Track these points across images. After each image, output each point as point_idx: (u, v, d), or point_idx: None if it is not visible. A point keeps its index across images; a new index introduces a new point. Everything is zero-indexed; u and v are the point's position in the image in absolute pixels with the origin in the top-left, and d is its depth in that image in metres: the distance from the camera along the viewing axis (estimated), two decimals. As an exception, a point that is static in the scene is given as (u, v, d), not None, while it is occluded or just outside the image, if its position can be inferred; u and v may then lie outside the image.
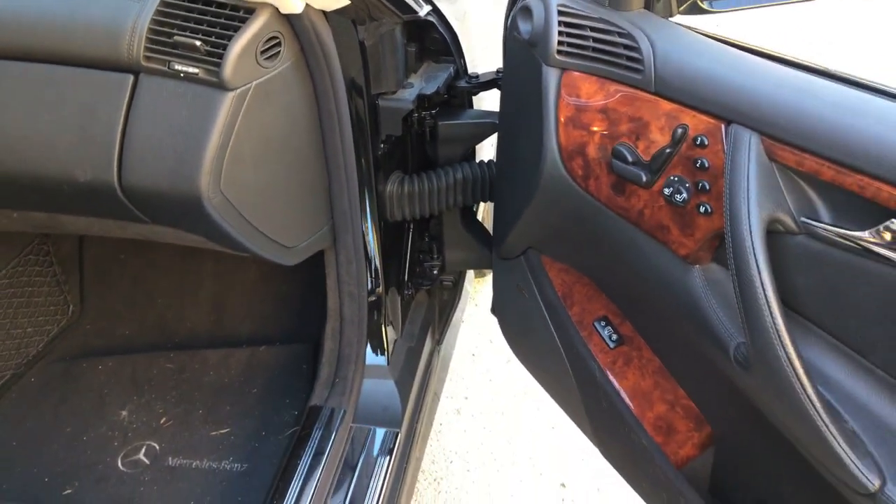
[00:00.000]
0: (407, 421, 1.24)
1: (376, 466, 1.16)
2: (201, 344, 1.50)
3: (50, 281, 1.48)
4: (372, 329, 1.23)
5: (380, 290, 1.22)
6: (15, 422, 1.32)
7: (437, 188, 1.17)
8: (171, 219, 0.96)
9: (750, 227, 0.66)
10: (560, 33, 0.83)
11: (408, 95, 1.07)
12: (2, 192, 0.95)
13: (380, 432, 1.20)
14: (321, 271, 1.41)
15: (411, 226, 1.32)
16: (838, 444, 0.63)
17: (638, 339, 0.98)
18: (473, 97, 1.27)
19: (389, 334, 1.27)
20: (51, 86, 0.87)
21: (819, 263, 0.67)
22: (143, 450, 1.26)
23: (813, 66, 0.71)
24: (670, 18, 0.85)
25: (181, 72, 0.84)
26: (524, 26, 0.87)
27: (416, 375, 1.32)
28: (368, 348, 1.25)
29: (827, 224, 0.65)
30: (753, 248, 0.65)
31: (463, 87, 1.18)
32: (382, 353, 1.26)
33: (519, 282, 1.11)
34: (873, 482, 0.62)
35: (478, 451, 1.68)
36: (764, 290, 0.65)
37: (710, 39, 0.79)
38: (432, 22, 1.11)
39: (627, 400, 0.95)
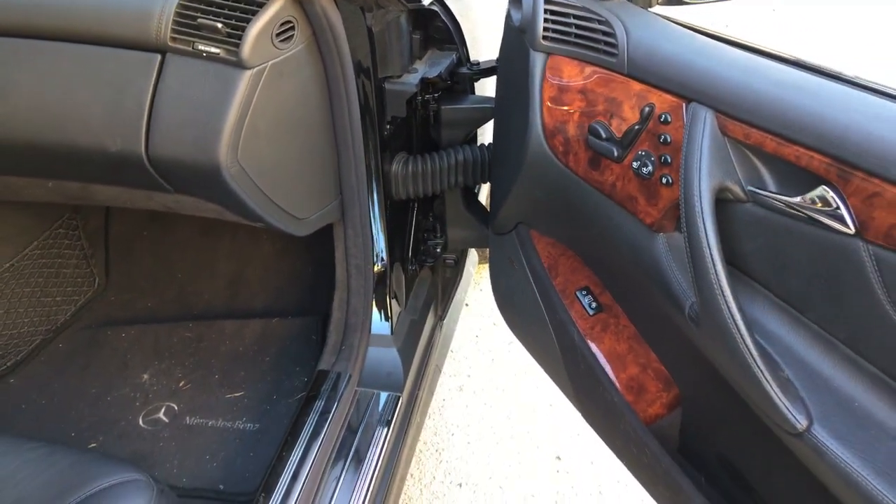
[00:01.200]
0: (409, 387, 1.32)
1: (378, 427, 1.24)
2: (218, 316, 1.59)
3: (78, 254, 1.57)
4: (377, 300, 1.31)
5: (385, 263, 1.30)
6: (44, 383, 1.42)
7: (440, 168, 1.25)
8: (192, 188, 1.04)
9: (700, 193, 0.72)
10: (546, 20, 0.91)
11: (412, 79, 1.15)
12: (40, 162, 1.04)
13: (383, 396, 1.28)
14: (330, 248, 1.50)
15: (416, 205, 1.40)
16: (772, 388, 0.69)
17: (616, 308, 1.05)
18: (476, 84, 1.34)
19: (394, 306, 1.35)
20: (86, 64, 0.96)
21: (764, 229, 0.72)
22: (163, 409, 1.36)
23: (766, 49, 0.77)
24: (650, 9, 0.92)
25: (204, 52, 0.92)
26: (515, 14, 0.95)
27: (418, 346, 1.40)
28: (374, 318, 1.33)
29: (771, 192, 0.71)
30: (702, 213, 0.72)
31: (465, 73, 1.26)
32: (387, 323, 1.35)
33: (510, 255, 1.18)
34: (801, 423, 0.68)
35: (478, 425, 1.76)
36: (710, 250, 0.71)
37: (680, 27, 0.85)
38: (436, 11, 1.19)
39: (603, 362, 1.02)
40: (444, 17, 1.20)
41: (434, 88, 1.21)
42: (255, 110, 0.95)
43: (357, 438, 1.21)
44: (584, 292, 1.07)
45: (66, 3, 0.96)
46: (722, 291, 0.71)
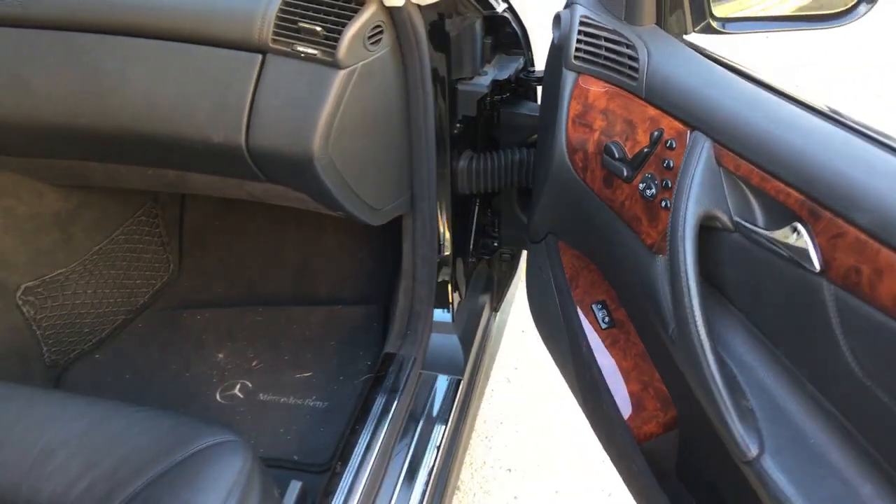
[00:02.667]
0: (468, 371, 1.40)
1: (442, 407, 1.32)
2: (284, 302, 1.68)
3: (156, 241, 1.68)
4: (440, 289, 1.39)
5: (448, 255, 1.38)
6: (127, 359, 1.52)
7: (497, 167, 1.32)
8: (283, 177, 1.13)
9: (685, 218, 0.74)
10: (578, 41, 0.95)
11: (483, 81, 1.23)
12: (145, 151, 1.14)
13: (445, 379, 1.36)
14: (390, 241, 1.58)
15: (478, 200, 1.48)
16: (730, 415, 0.71)
17: (628, 325, 1.07)
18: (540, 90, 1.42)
19: (454, 296, 1.43)
20: (194, 62, 1.05)
21: (747, 259, 0.74)
22: (238, 386, 1.45)
23: (776, 85, 0.78)
24: (685, 36, 0.95)
25: (302, 52, 1.01)
26: (555, 32, 1.01)
27: (476, 334, 1.47)
28: (436, 306, 1.41)
29: (754, 225, 0.72)
30: (684, 237, 0.74)
31: (525, 78, 1.33)
32: (448, 312, 1.42)
33: (540, 263, 1.24)
34: (753, 451, 0.70)
35: (526, 415, 1.83)
36: (687, 274, 0.73)
37: (701, 57, 0.87)
38: (507, 17, 1.26)
39: (607, 375, 1.04)
40: (514, 24, 1.28)
41: (501, 90, 1.29)
42: (346, 107, 1.04)
43: (423, 417, 1.29)
44: (600, 306, 1.10)
45: (177, 6, 1.05)
46: (693, 316, 0.73)
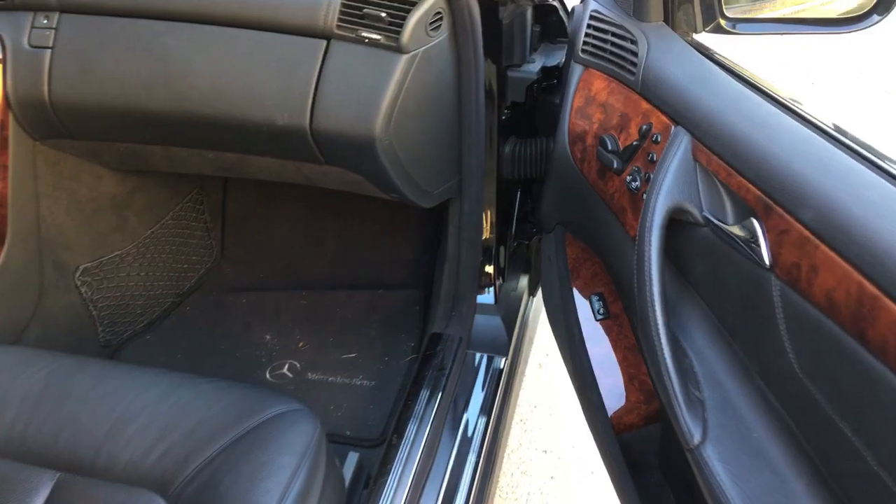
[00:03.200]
0: (511, 352, 1.44)
1: (488, 385, 1.36)
2: (324, 287, 1.72)
3: (201, 227, 1.72)
4: (483, 272, 1.43)
5: (492, 238, 1.42)
6: (177, 340, 1.57)
7: (538, 153, 1.36)
8: (343, 159, 1.17)
9: (654, 210, 0.76)
10: (587, 34, 0.98)
11: (532, 68, 1.27)
12: (209, 134, 1.18)
13: (490, 358, 1.40)
14: (427, 228, 1.62)
15: (520, 186, 1.51)
16: (678, 403, 0.73)
17: (622, 317, 1.09)
18: None
19: (497, 279, 1.47)
20: (260, 48, 1.09)
21: (713, 253, 0.76)
22: (287, 366, 1.49)
23: (763, 85, 0.79)
24: (695, 35, 0.97)
25: (366, 38, 1.05)
26: (569, 25, 1.04)
27: (517, 316, 1.51)
28: (480, 289, 1.45)
29: (719, 220, 0.73)
30: (651, 227, 0.76)
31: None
32: (491, 294, 1.46)
33: (549, 252, 1.27)
34: (695, 439, 0.72)
35: (559, 400, 1.87)
36: (650, 264, 0.75)
37: (697, 54, 0.89)
38: (555, 6, 1.30)
39: (595, 364, 1.07)
40: (561, 13, 1.32)
41: (548, 78, 1.33)
42: (406, 91, 1.08)
43: (471, 394, 1.33)
44: (598, 298, 1.12)
45: None
46: (653, 304, 0.75)
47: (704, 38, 0.99)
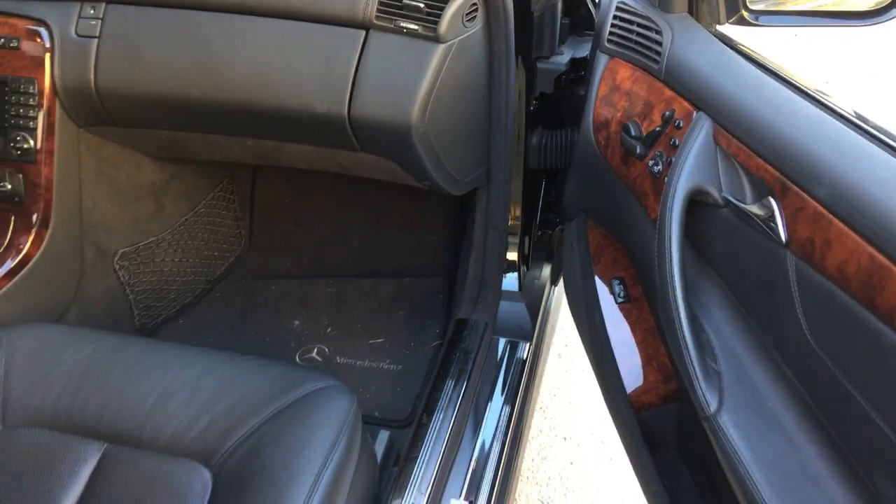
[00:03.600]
0: (535, 338, 1.47)
1: (514, 369, 1.39)
2: (351, 276, 1.76)
3: (231, 216, 1.77)
4: (509, 260, 1.47)
5: (518, 226, 1.45)
6: (209, 324, 1.61)
7: (563, 144, 1.39)
8: (378, 146, 1.21)
9: (676, 190, 0.79)
10: (613, 25, 1.02)
11: (561, 59, 1.30)
12: (249, 122, 1.22)
13: (516, 343, 1.44)
14: (452, 219, 1.65)
15: (545, 176, 1.55)
16: (695, 373, 0.77)
17: (642, 301, 1.12)
18: None
19: (521, 266, 1.50)
20: (301, 38, 1.13)
21: (732, 233, 0.79)
22: (315, 350, 1.54)
23: (782, 72, 0.82)
24: (718, 27, 1.00)
25: (404, 28, 1.09)
26: (596, 16, 1.08)
27: (541, 303, 1.55)
28: (505, 276, 1.48)
29: (738, 200, 0.76)
30: (672, 208, 0.79)
31: None
32: (516, 281, 1.50)
33: (571, 240, 1.31)
34: (712, 408, 0.75)
35: (578, 388, 1.90)
36: (670, 242, 0.79)
37: (720, 44, 0.92)
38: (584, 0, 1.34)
39: (615, 346, 1.10)
40: (590, 6, 1.35)
41: (576, 69, 1.36)
42: (442, 80, 1.12)
43: (498, 377, 1.37)
44: (619, 282, 1.15)
45: None
46: (673, 280, 0.78)
47: (728, 29, 1.02)
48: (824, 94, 0.76)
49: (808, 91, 0.77)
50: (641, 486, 1.04)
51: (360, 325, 1.60)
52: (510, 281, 1.50)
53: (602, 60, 1.06)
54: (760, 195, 0.74)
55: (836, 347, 0.64)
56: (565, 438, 1.76)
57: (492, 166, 1.36)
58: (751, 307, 0.80)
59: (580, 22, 1.39)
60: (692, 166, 0.81)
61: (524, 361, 1.41)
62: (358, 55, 1.12)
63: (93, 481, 0.96)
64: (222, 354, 1.11)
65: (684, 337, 0.79)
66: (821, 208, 0.65)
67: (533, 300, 1.52)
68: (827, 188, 0.64)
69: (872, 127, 0.68)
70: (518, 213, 1.44)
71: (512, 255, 1.48)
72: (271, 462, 0.93)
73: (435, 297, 1.68)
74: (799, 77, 0.81)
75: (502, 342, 1.44)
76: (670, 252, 0.81)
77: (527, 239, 1.53)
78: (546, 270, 1.63)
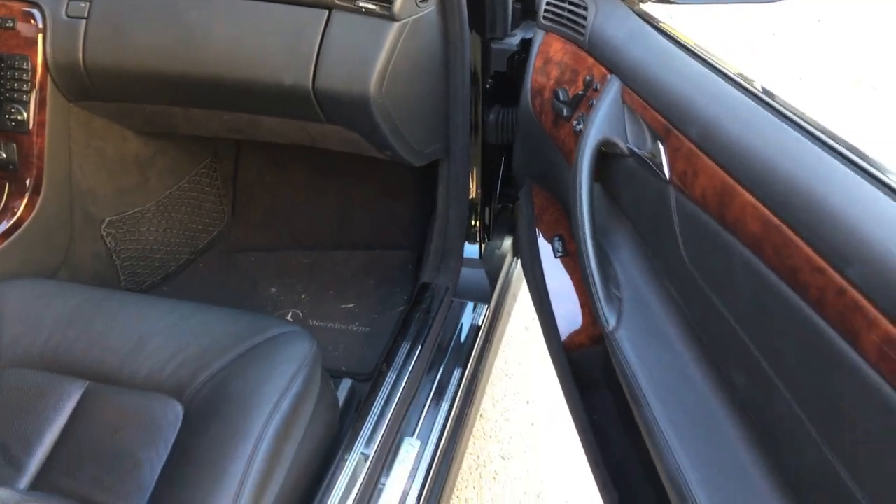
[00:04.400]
0: (494, 301, 1.58)
1: (471, 329, 1.50)
2: (326, 248, 1.87)
3: (214, 192, 1.88)
4: (470, 229, 1.58)
5: (477, 198, 1.56)
6: (192, 291, 1.72)
7: (514, 121, 1.50)
8: (341, 117, 1.32)
9: (587, 141, 0.91)
10: (548, 4, 1.15)
11: (513, 41, 1.41)
12: (226, 95, 1.33)
13: (474, 305, 1.55)
14: (422, 194, 1.76)
15: (505, 152, 1.66)
16: (599, 296, 0.89)
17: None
18: None
19: (483, 235, 1.61)
20: (272, 18, 1.24)
21: (635, 179, 0.90)
22: (290, 314, 1.64)
23: (686, 44, 0.92)
24: (641, 5, 1.11)
25: (363, 7, 1.20)
26: None
27: (501, 271, 1.66)
28: (466, 244, 1.59)
29: (638, 149, 0.87)
30: (583, 156, 0.91)
31: None
32: (477, 250, 1.61)
33: (522, 206, 1.42)
34: (611, 325, 0.88)
35: (543, 357, 1.99)
36: (581, 185, 0.90)
37: (635, 17, 1.04)
38: (534, -14, 1.45)
39: (552, 296, 1.21)
40: (539, -8, 1.46)
41: (527, 49, 1.47)
42: (398, 56, 1.23)
43: (455, 334, 1.47)
44: (557, 238, 1.25)
45: None
46: (582, 216, 0.90)
47: (652, 8, 1.12)
48: (712, 55, 0.88)
49: (699, 53, 0.89)
50: (574, 421, 1.15)
51: (333, 292, 1.71)
52: (472, 250, 1.61)
53: (539, 36, 1.18)
54: (653, 142, 0.86)
55: (702, 261, 0.76)
56: (528, 402, 1.86)
57: (451, 141, 1.46)
58: (648, 239, 0.92)
59: (532, 8, 1.50)
60: (602, 120, 0.93)
61: (482, 321, 1.52)
62: (321, 33, 1.23)
63: (75, 414, 1.06)
64: (199, 305, 1.21)
65: (590, 265, 0.91)
66: (692, 146, 0.77)
67: (493, 268, 1.63)
68: (697, 128, 0.77)
69: (742, 79, 0.79)
70: (478, 185, 1.55)
71: (474, 224, 1.58)
72: (236, 393, 1.03)
73: (404, 268, 1.79)
74: (696, 44, 0.93)
75: (463, 304, 1.55)
76: (581, 194, 0.92)
77: (487, 210, 1.63)
78: (507, 242, 1.73)
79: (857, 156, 0.61)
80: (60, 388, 1.09)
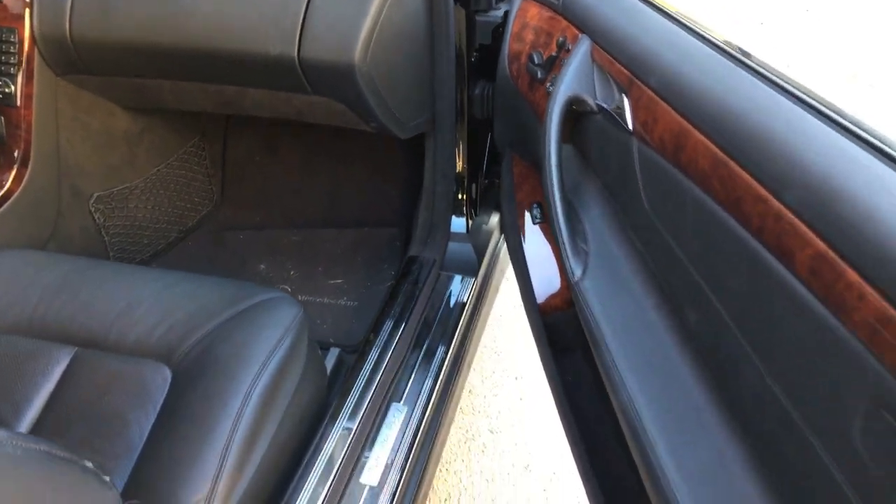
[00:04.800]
0: (481, 274, 1.60)
1: (458, 301, 1.51)
2: (317, 226, 1.88)
3: (203, 172, 1.89)
4: (457, 203, 1.59)
5: (464, 173, 1.57)
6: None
7: None
8: (327, 88, 1.33)
9: (557, 98, 0.92)
10: None
11: (497, 13, 1.42)
12: (212, 67, 1.34)
13: (461, 278, 1.56)
14: (410, 172, 1.77)
15: (491, 128, 1.67)
16: (566, 249, 0.91)
17: None
18: None
19: (469, 209, 1.63)
20: None
21: (603, 134, 0.91)
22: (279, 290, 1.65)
23: (659, 5, 0.94)
24: None
25: None
26: None
27: (487, 246, 1.67)
28: (454, 219, 1.60)
29: (605, 104, 0.89)
30: (553, 112, 0.93)
31: None
32: (464, 224, 1.62)
33: (503, 176, 1.44)
34: (577, 275, 0.90)
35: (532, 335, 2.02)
36: (550, 140, 0.92)
37: None
38: (519, -41, 1.46)
39: (529, 262, 1.23)
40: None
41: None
42: (382, 25, 1.24)
43: (442, 307, 1.49)
44: (536, 206, 1.26)
45: None
46: (551, 171, 0.92)
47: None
48: (681, 13, 0.89)
49: (668, 11, 0.91)
50: (548, 382, 1.16)
51: (322, 268, 1.72)
52: (460, 224, 1.62)
53: (517, 3, 1.20)
54: (619, 94, 0.88)
55: (660, 207, 0.78)
56: (517, 378, 1.88)
57: (437, 113, 1.48)
58: (616, 194, 0.93)
59: None
60: (571, 78, 0.95)
61: (469, 294, 1.54)
62: (306, 2, 1.24)
63: (63, 379, 1.07)
64: (184, 273, 1.22)
65: (558, 219, 0.93)
66: (653, 94, 0.79)
67: (480, 242, 1.65)
68: (657, 76, 0.79)
69: (702, 30, 0.82)
70: (465, 159, 1.56)
71: (461, 198, 1.60)
72: (223, 355, 1.04)
73: (393, 245, 1.80)
74: (667, 4, 0.95)
75: (451, 276, 1.56)
76: (550, 151, 0.94)
77: (474, 185, 1.65)
78: (495, 218, 1.75)
79: (801, 91, 0.64)
80: (49, 353, 1.10)
